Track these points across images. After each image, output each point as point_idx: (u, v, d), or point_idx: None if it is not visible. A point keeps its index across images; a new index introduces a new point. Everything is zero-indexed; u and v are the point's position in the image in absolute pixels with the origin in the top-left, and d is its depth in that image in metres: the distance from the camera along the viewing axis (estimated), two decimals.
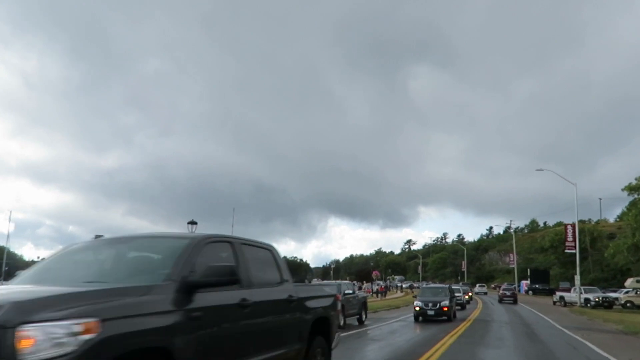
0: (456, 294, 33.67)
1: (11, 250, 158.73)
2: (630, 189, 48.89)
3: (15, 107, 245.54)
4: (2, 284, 6.10)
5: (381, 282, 72.41)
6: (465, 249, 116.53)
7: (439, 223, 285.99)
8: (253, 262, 5.31)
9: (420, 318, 22.28)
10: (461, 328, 19.08)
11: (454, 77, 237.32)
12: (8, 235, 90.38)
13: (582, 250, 49.86)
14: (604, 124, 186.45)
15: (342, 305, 18.78)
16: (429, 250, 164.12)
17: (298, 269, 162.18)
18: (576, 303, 40.67)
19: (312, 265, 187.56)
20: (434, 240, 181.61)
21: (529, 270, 78.43)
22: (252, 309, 4.82)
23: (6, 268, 60.34)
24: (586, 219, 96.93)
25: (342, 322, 18.68)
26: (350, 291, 19.96)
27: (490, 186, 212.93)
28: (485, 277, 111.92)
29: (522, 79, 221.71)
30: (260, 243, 5.96)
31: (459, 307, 33.32)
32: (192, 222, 24.11)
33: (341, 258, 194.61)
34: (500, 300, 46.54)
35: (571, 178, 54.65)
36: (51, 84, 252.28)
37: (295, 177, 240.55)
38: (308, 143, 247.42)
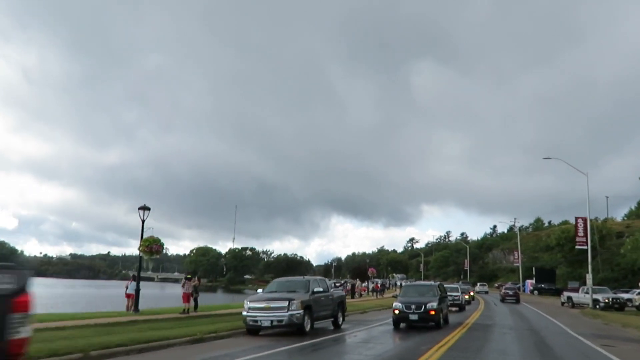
0: (453, 294, 30.26)
1: (12, 246, 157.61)
2: None
3: (16, 102, 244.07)
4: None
5: (378, 280, 69.04)
6: (468, 247, 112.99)
7: (442, 222, 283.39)
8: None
9: (402, 324, 18.22)
10: (453, 336, 15.56)
11: (457, 74, 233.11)
12: None
13: (591, 248, 46.51)
14: (610, 121, 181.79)
15: (308, 307, 15.41)
16: (431, 248, 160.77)
17: (298, 267, 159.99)
18: (586, 304, 37.15)
19: (314, 264, 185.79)
20: (437, 239, 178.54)
21: (534, 269, 75.17)
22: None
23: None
24: (592, 217, 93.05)
25: (308, 327, 15.28)
26: (321, 289, 16.51)
27: (494, 185, 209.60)
28: (489, 276, 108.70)
29: (527, 76, 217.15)
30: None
31: (457, 309, 29.90)
32: (144, 208, 20.80)
33: (344, 257, 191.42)
34: (503, 300, 45.61)
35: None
36: (52, 78, 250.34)
37: (298, 175, 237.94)
38: (310, 140, 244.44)
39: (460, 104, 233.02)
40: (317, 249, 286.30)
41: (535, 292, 66.38)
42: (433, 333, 16.32)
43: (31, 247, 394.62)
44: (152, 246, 20.05)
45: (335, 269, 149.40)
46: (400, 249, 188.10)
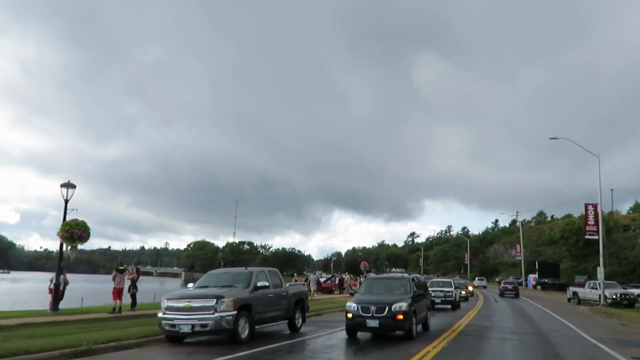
0: (445, 289, 26.57)
1: (9, 239, 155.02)
2: None
3: (15, 96, 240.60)
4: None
5: (372, 274, 65.45)
6: (468, 241, 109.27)
7: (444, 217, 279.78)
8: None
9: (360, 333, 13.50)
10: (434, 348, 11.89)
11: (459, 67, 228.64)
12: None
13: (597, 241, 43.02)
14: (613, 115, 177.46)
15: (246, 306, 11.82)
16: (432, 243, 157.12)
17: (296, 261, 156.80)
18: (592, 301, 33.48)
19: (315, 258, 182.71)
20: (437, 233, 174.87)
21: (537, 263, 71.42)
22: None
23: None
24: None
25: (245, 333, 11.67)
26: (267, 283, 12.82)
27: (496, 179, 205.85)
28: (490, 270, 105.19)
29: (530, 70, 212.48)
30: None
31: (449, 307, 26.22)
32: (68, 185, 17.15)
33: (344, 251, 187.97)
34: (502, 294, 44.61)
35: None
36: (50, 71, 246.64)
37: (299, 169, 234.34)
38: (311, 134, 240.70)
39: (462, 98, 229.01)
40: (318, 244, 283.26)
41: (538, 287, 62.70)
42: (404, 344, 12.18)
43: (33, 242, 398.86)
44: (73, 231, 16.36)
45: (335, 263, 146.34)
46: (401, 244, 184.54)
